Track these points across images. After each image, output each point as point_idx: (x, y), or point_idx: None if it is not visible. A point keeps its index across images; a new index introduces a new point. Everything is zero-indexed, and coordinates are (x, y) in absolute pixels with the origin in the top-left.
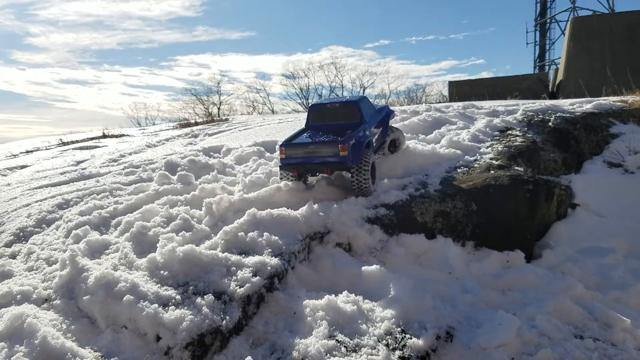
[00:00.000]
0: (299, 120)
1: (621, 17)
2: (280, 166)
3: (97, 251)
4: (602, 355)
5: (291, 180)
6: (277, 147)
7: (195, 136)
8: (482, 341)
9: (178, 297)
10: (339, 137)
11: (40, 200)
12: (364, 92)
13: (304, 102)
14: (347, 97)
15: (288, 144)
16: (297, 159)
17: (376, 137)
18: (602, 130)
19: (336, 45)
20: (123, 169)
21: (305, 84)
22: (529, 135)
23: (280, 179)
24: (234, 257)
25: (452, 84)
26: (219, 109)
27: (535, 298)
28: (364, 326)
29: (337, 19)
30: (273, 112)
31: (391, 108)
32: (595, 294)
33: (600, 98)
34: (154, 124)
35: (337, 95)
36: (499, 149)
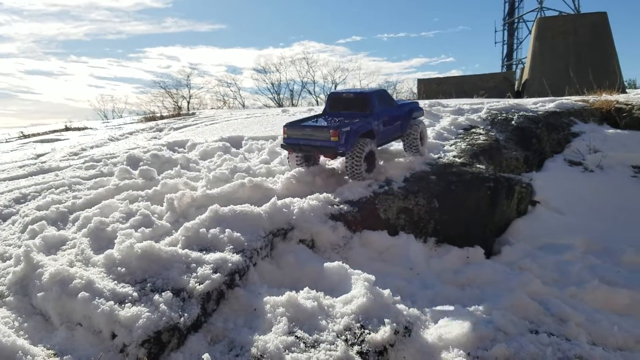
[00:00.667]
0: (267, 116)
1: (585, 18)
2: (281, 144)
3: (53, 247)
4: (555, 349)
5: (298, 165)
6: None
7: (160, 130)
8: (439, 336)
9: (135, 294)
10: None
11: None
12: (335, 88)
13: (276, 97)
14: (364, 89)
15: (290, 125)
16: (296, 140)
17: (386, 128)
18: (564, 129)
19: (308, 40)
20: (84, 163)
21: (276, 78)
22: (492, 134)
23: (289, 164)
24: (195, 254)
25: (420, 82)
26: (188, 102)
27: (493, 294)
28: (324, 322)
29: (309, 14)
30: (244, 106)
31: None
32: (552, 289)
33: (562, 97)
34: (121, 117)
35: (309, 90)
36: (462, 146)
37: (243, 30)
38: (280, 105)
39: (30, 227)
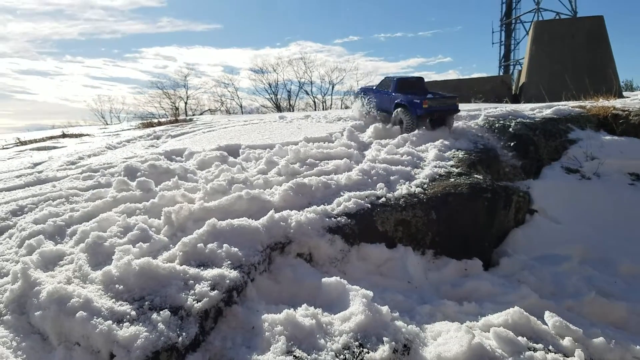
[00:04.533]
0: (264, 123)
1: (582, 22)
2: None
3: (50, 262)
4: None
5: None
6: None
7: (158, 138)
8: (438, 354)
9: (133, 312)
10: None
11: None
12: (333, 89)
13: (273, 98)
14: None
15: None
16: (434, 108)
17: None
18: (561, 135)
19: (305, 40)
20: (81, 173)
21: (274, 79)
22: (490, 142)
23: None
24: (192, 270)
25: None
26: (186, 103)
27: (491, 308)
28: (322, 341)
29: (305, 14)
30: (241, 107)
31: None
32: (550, 303)
33: (559, 103)
34: (118, 118)
35: (307, 91)
36: (460, 156)
37: (239, 30)
38: (277, 105)
39: (27, 241)
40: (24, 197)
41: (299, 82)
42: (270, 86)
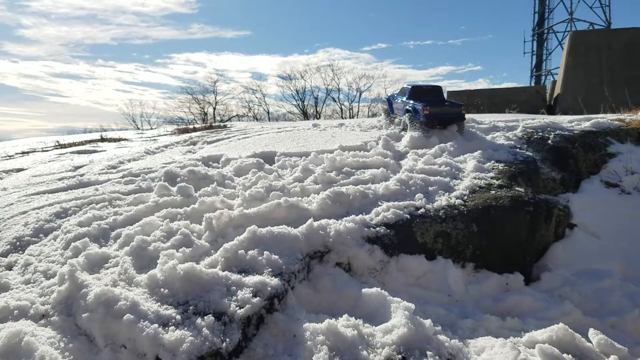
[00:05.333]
0: (298, 130)
1: (619, 33)
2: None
3: (96, 265)
4: None
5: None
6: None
7: (194, 143)
8: None
9: (178, 317)
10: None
11: (38, 208)
12: (360, 96)
13: (300, 105)
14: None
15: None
16: (436, 114)
17: None
18: (600, 149)
19: (333, 47)
20: (122, 177)
21: (301, 85)
22: (529, 154)
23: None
24: (234, 276)
25: (451, 94)
26: (214, 109)
27: (534, 324)
28: (365, 352)
29: (334, 21)
30: (269, 113)
31: None
32: (593, 320)
33: (598, 115)
34: (149, 122)
35: (334, 98)
36: (500, 167)
37: (268, 36)
38: (304, 112)
39: (73, 244)
40: (68, 200)
41: (327, 89)
42: (298, 93)
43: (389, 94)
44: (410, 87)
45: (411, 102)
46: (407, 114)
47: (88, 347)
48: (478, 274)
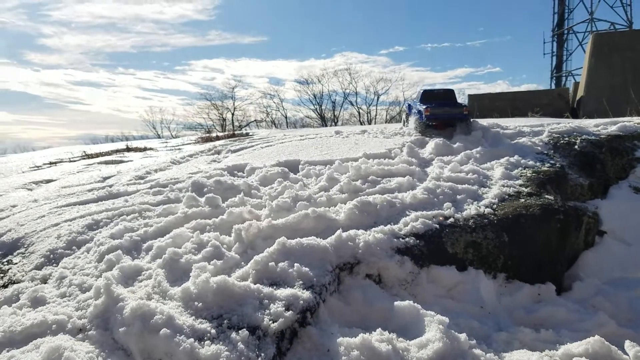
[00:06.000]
0: (321, 138)
1: None
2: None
3: (130, 277)
4: None
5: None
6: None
7: (218, 152)
8: None
9: (213, 331)
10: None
11: (69, 220)
12: (378, 99)
13: (317, 109)
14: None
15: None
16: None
17: None
18: (627, 153)
19: (350, 51)
20: (150, 188)
21: (319, 90)
22: (557, 160)
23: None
24: (266, 289)
25: (472, 98)
26: (232, 114)
27: (569, 336)
28: None
29: (351, 25)
30: (286, 118)
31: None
32: (628, 331)
33: (624, 119)
34: (168, 128)
35: (351, 102)
36: (528, 174)
37: (285, 42)
38: (322, 116)
39: (106, 256)
40: (99, 212)
41: (344, 92)
42: (315, 97)
43: (408, 100)
44: (422, 91)
45: (419, 104)
46: (414, 116)
47: None
48: (510, 284)
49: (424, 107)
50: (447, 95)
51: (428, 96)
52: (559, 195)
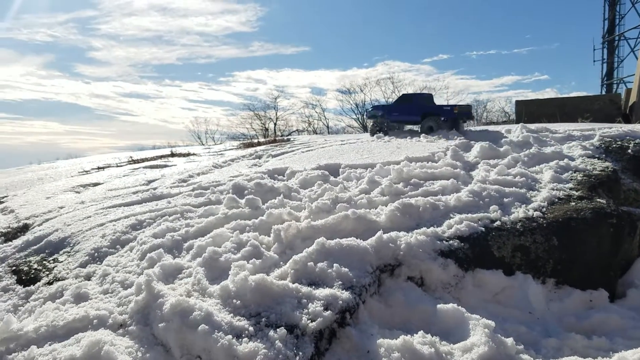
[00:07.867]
0: (362, 142)
1: None
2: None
3: (170, 275)
4: None
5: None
6: None
7: (259, 157)
8: None
9: (251, 328)
10: None
11: (114, 220)
12: None
13: (359, 118)
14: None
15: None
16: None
17: None
18: None
19: (392, 60)
20: (192, 190)
21: (361, 99)
22: (609, 163)
23: None
24: (305, 289)
25: (519, 104)
26: (275, 124)
27: (623, 344)
28: None
29: (393, 34)
30: (328, 127)
31: None
32: None
33: None
34: (213, 138)
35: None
36: (579, 178)
37: (327, 51)
38: (364, 125)
39: (148, 255)
40: (142, 212)
41: (387, 101)
42: (357, 106)
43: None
44: (400, 96)
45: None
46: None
47: (164, 358)
48: (559, 290)
49: (389, 109)
50: (423, 98)
51: (402, 100)
52: (611, 200)
